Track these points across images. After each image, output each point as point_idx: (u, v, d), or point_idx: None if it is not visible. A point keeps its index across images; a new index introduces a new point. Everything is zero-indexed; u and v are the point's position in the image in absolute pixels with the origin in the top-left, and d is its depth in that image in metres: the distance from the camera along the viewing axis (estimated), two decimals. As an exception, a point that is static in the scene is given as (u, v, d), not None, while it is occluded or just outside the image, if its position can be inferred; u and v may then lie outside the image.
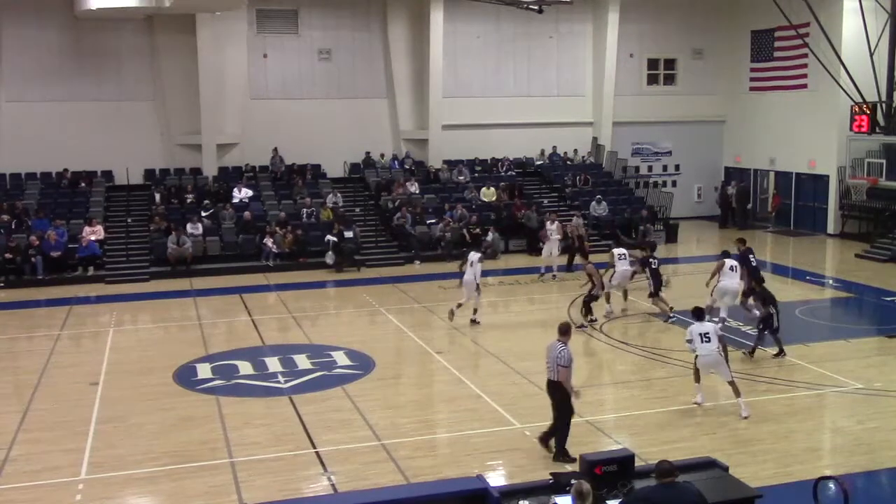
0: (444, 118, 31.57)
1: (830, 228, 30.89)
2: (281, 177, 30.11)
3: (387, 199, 28.99)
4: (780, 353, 15.99)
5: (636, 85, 34.36)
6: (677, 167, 35.34)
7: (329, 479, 11.13)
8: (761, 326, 15.95)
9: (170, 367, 15.96)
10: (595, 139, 34.02)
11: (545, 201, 30.22)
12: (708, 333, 13.19)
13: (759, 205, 34.99)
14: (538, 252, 24.91)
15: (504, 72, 32.90)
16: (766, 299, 15.93)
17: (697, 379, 13.50)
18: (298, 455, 11.90)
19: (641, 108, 34.03)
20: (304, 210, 27.66)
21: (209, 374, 15.65)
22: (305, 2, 30.73)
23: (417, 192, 29.62)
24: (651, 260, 19.48)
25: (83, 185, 28.27)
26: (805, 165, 31.89)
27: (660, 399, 13.90)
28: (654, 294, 19.08)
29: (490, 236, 27.00)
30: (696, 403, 13.42)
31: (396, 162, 31.55)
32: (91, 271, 24.58)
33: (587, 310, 18.76)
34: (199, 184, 28.91)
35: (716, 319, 17.53)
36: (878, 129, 28.59)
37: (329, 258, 25.70)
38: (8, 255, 23.95)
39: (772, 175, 34.22)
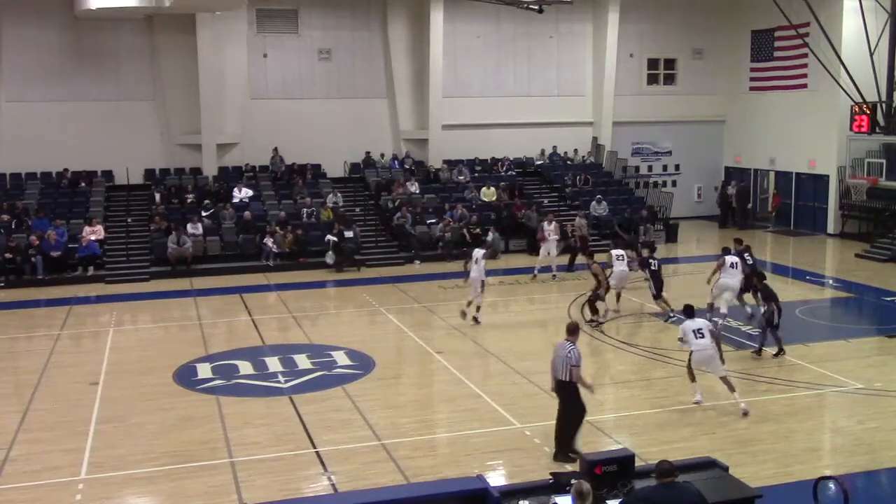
0: (444, 118, 31.57)
1: (830, 228, 30.90)
2: (281, 177, 30.11)
3: (387, 199, 29.00)
4: (780, 352, 16.00)
5: (636, 85, 34.37)
6: (677, 167, 35.34)
7: (329, 478, 11.13)
8: (764, 324, 15.96)
9: (170, 367, 15.96)
10: (595, 139, 34.02)
11: (545, 201, 30.22)
12: (701, 329, 13.26)
13: (759, 205, 35.00)
14: (538, 252, 24.91)
15: (504, 72, 32.90)
16: (768, 296, 15.93)
17: (693, 378, 13.51)
18: (298, 455, 11.90)
19: (641, 108, 34.04)
20: (305, 210, 27.66)
21: (209, 374, 15.65)
22: (305, 2, 30.73)
23: (417, 191, 29.62)
24: (651, 261, 19.46)
25: (83, 184, 28.27)
26: (805, 165, 31.89)
27: (660, 399, 13.90)
28: (658, 296, 19.06)
29: (490, 236, 27.00)
30: (696, 403, 13.42)
31: (396, 162, 31.55)
32: (91, 271, 24.57)
33: (593, 310, 18.74)
34: (199, 184, 28.91)
35: (717, 319, 17.61)
36: (878, 129, 28.60)
37: (329, 258, 25.71)
38: (8, 255, 23.95)
39: (772, 175, 34.23)
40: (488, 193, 30.05)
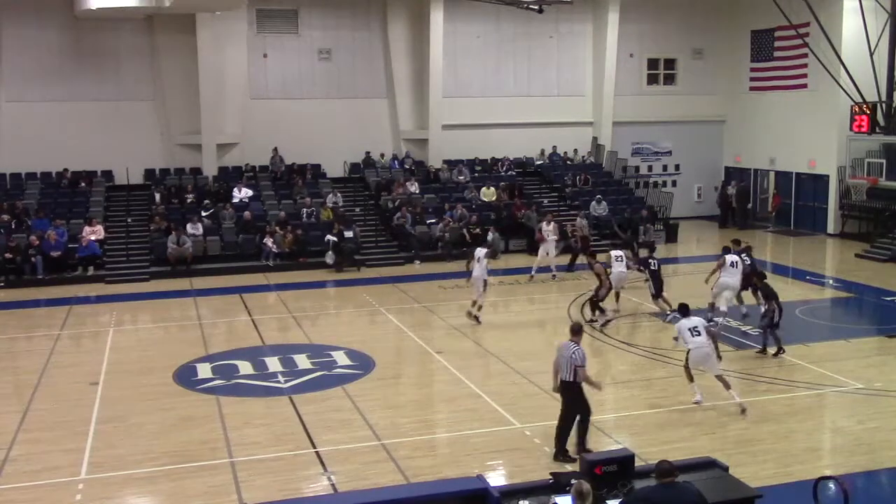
0: (444, 118, 31.56)
1: (830, 228, 30.90)
2: (281, 177, 30.11)
3: (387, 199, 29.00)
4: (780, 351, 16.00)
5: (636, 85, 34.36)
6: (677, 167, 35.34)
7: (329, 478, 11.13)
8: (765, 322, 15.96)
9: (170, 367, 15.96)
10: (595, 139, 34.02)
11: (545, 201, 30.22)
12: (696, 327, 13.31)
13: (760, 205, 35.00)
14: (537, 252, 24.89)
15: (504, 72, 32.90)
16: (769, 295, 15.94)
17: (690, 378, 13.52)
18: (298, 455, 11.90)
19: (641, 108, 34.04)
20: (304, 210, 27.66)
21: (209, 374, 15.65)
22: (305, 2, 30.73)
23: (417, 191, 29.62)
24: (650, 261, 19.46)
25: (83, 184, 28.26)
26: (805, 165, 31.89)
27: (660, 399, 13.90)
28: (658, 296, 19.05)
29: (490, 236, 27.00)
30: (696, 403, 13.42)
31: (396, 162, 31.55)
32: (91, 271, 24.57)
33: (598, 310, 18.69)
34: (199, 184, 28.91)
35: (717, 319, 17.64)
36: (878, 129, 28.60)
37: (329, 258, 25.70)
38: (8, 255, 23.95)
39: (772, 175, 34.23)
40: (488, 193, 30.05)
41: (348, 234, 26.19)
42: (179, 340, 18.38)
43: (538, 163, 33.05)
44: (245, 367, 15.93)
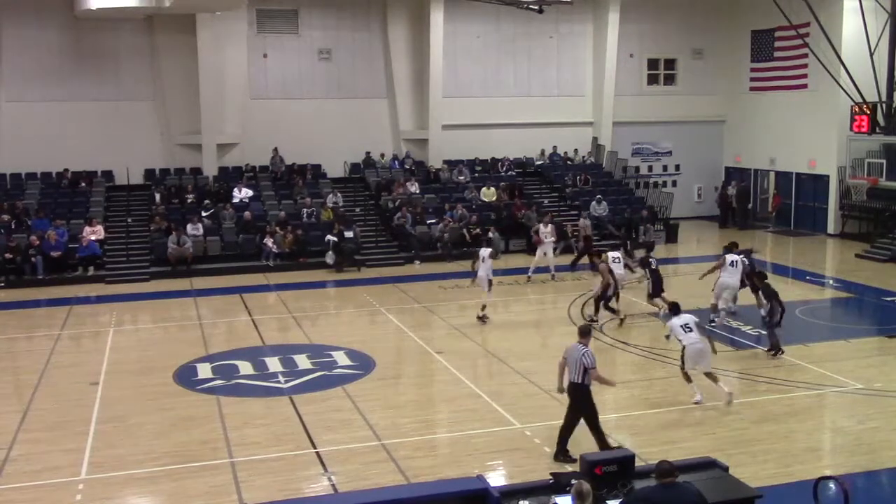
0: (444, 118, 31.57)
1: (830, 228, 30.89)
2: (281, 177, 30.11)
3: (387, 199, 29.00)
4: (779, 351, 16.00)
5: (636, 85, 34.37)
6: (677, 167, 35.34)
7: (329, 479, 11.14)
8: (768, 321, 15.96)
9: (170, 367, 15.96)
10: (595, 139, 34.02)
11: (545, 201, 30.22)
12: (688, 324, 13.49)
13: (760, 205, 35.00)
14: (535, 253, 24.88)
15: (504, 72, 32.90)
16: (770, 295, 15.94)
17: (688, 379, 13.55)
18: (299, 455, 11.91)
19: (641, 108, 34.04)
20: (305, 210, 27.67)
21: (209, 374, 15.65)
22: (305, 2, 30.73)
23: (417, 192, 29.62)
24: (650, 260, 19.48)
25: (83, 185, 28.27)
26: (805, 165, 31.89)
27: (660, 399, 13.91)
28: (657, 295, 19.00)
29: (491, 236, 26.97)
30: (696, 403, 13.43)
31: (396, 162, 31.56)
32: (91, 271, 24.58)
33: (609, 310, 18.66)
34: (199, 184, 28.91)
35: (718, 319, 17.66)
36: (878, 129, 28.60)
37: (329, 258, 25.71)
38: (8, 255, 23.95)
39: (772, 175, 34.24)
40: (488, 193, 30.05)
41: (348, 234, 26.20)
42: (179, 340, 18.37)
43: (538, 163, 33.05)
44: (245, 368, 15.94)
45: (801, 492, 9.84)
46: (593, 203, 29.46)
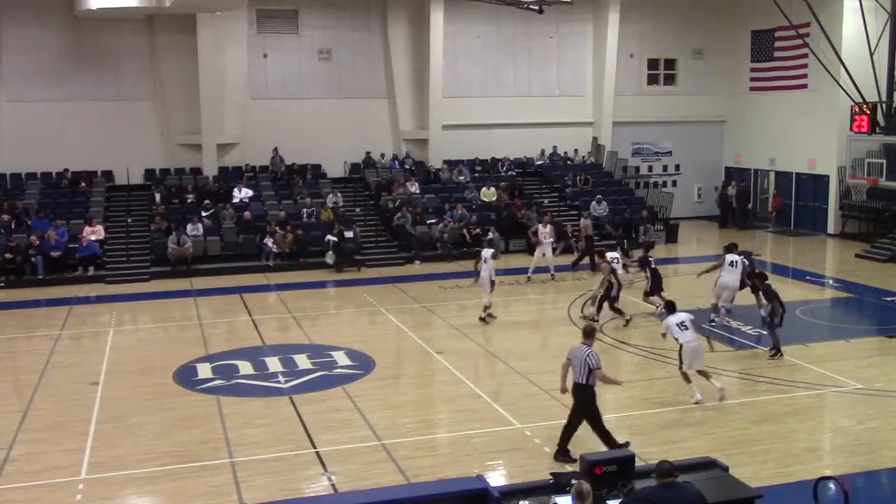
0: (444, 118, 31.57)
1: (830, 228, 30.90)
2: (281, 177, 30.11)
3: (387, 199, 29.00)
4: (778, 352, 15.99)
5: (636, 85, 34.37)
6: (677, 167, 35.34)
7: (329, 479, 11.14)
8: (769, 321, 15.96)
9: (170, 367, 15.96)
10: (595, 139, 34.02)
11: (545, 201, 30.22)
12: (684, 322, 13.57)
13: (760, 205, 35.00)
14: (534, 254, 24.87)
15: (504, 72, 32.90)
16: (770, 295, 15.95)
17: (687, 379, 13.56)
18: (299, 455, 11.90)
19: (641, 108, 34.04)
20: (305, 210, 27.67)
21: (209, 374, 15.65)
22: (305, 2, 30.73)
23: (417, 192, 29.62)
24: (649, 259, 19.50)
25: (83, 185, 28.27)
26: (805, 165, 31.89)
27: (660, 399, 13.91)
28: (656, 293, 19.00)
29: (491, 236, 26.98)
30: (696, 402, 13.44)
31: (396, 162, 31.56)
32: (91, 271, 24.57)
33: (616, 311, 18.60)
34: (199, 184, 28.91)
35: (718, 318, 17.65)
36: (878, 129, 28.60)
37: (329, 258, 25.71)
38: (8, 255, 23.95)
39: (772, 175, 34.23)
40: (488, 193, 30.05)
41: (348, 234, 26.20)
42: (179, 340, 18.37)
43: (538, 163, 33.05)
44: (245, 368, 15.94)
45: (801, 492, 9.84)
46: (593, 203, 29.45)
